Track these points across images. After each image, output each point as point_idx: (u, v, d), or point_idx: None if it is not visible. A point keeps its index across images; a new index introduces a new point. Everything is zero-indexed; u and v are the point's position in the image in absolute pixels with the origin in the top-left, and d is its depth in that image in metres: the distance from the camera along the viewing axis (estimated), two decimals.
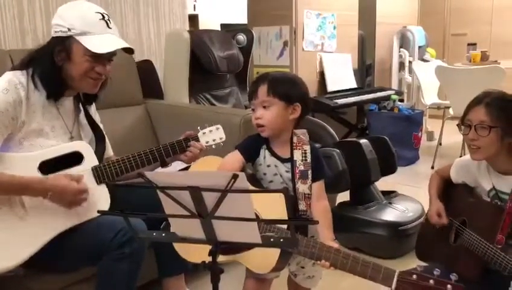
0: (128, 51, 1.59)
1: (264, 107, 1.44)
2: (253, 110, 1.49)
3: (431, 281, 1.13)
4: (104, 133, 1.80)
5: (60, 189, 1.45)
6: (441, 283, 1.12)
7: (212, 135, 1.77)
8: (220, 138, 1.77)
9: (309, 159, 1.48)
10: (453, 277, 1.11)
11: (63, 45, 1.51)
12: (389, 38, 5.05)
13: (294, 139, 1.51)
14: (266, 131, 1.47)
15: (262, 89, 1.44)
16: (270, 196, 1.34)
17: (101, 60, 1.54)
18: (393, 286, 1.19)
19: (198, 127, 1.77)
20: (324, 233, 1.42)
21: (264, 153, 1.51)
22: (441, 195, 1.76)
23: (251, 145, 1.52)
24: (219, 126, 1.79)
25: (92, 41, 1.50)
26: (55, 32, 1.52)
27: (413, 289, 1.15)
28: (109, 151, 1.84)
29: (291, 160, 1.49)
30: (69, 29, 1.49)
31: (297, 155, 1.49)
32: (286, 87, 1.45)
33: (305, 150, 1.49)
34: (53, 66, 1.52)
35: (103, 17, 1.54)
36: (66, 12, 1.52)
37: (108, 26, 1.54)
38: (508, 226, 1.48)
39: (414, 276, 1.16)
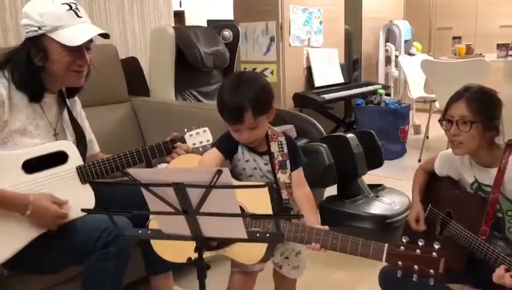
0: (104, 36, 1.56)
1: (252, 128, 1.44)
2: (234, 130, 1.46)
3: (417, 251, 1.19)
4: (88, 131, 1.79)
5: (41, 210, 1.43)
6: (427, 251, 1.19)
7: (199, 137, 1.76)
8: (207, 140, 1.76)
9: (286, 150, 1.51)
10: (436, 245, 1.18)
11: (37, 45, 1.48)
12: (375, 33, 5.07)
13: (269, 132, 1.53)
14: (255, 143, 1.50)
15: (248, 116, 1.40)
16: (255, 190, 1.34)
17: (80, 51, 1.51)
18: (384, 258, 1.23)
19: (185, 129, 1.75)
20: (309, 218, 1.44)
21: (241, 148, 1.52)
22: (425, 190, 1.78)
23: (228, 142, 1.51)
24: (206, 129, 1.78)
25: (66, 35, 1.46)
26: (27, 33, 1.48)
27: (402, 259, 1.21)
28: (95, 148, 1.83)
29: (269, 152, 1.51)
30: (39, 28, 1.46)
31: (274, 147, 1.51)
32: (265, 101, 1.44)
33: (280, 141, 1.52)
34: (31, 69, 1.49)
35: (70, 7, 1.49)
36: (32, 11, 1.47)
37: (78, 15, 1.50)
38: (491, 218, 1.50)
39: (402, 247, 1.21)
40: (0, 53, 1.58)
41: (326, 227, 1.36)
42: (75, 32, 1.48)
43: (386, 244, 1.25)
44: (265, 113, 1.44)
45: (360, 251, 1.28)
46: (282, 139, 1.53)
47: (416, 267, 1.19)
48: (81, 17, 1.51)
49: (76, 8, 1.51)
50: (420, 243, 1.20)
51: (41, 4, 1.48)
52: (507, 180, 1.48)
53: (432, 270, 1.17)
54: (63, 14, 1.47)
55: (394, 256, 1.22)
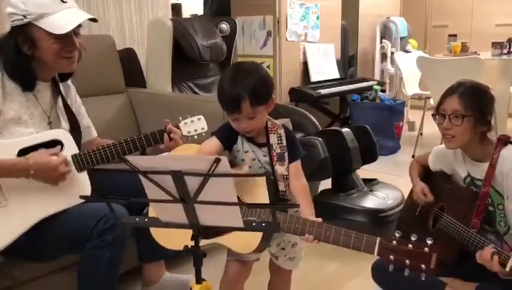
0: (92, 20, 1.54)
1: (250, 118, 1.45)
2: (233, 119, 1.47)
3: (409, 245, 1.19)
4: (85, 117, 1.79)
5: (42, 165, 1.43)
6: (419, 246, 1.18)
7: (194, 125, 1.75)
8: (202, 128, 1.76)
9: (284, 142, 1.52)
10: (429, 240, 1.18)
11: (24, 33, 1.46)
12: (372, 29, 5.09)
13: (269, 124, 1.54)
14: (253, 133, 1.50)
15: (246, 105, 1.41)
16: (252, 179, 1.36)
17: (68, 37, 1.49)
18: (376, 252, 1.24)
19: (180, 118, 1.75)
20: (304, 209, 1.45)
21: (241, 139, 1.53)
22: (422, 178, 1.80)
23: (229, 132, 1.52)
24: (201, 116, 1.77)
25: (52, 23, 1.44)
26: (12, 22, 1.46)
27: (394, 253, 1.21)
28: (93, 133, 1.83)
29: (267, 144, 1.52)
30: (24, 16, 1.43)
31: (273, 139, 1.52)
32: (264, 92, 1.45)
33: (279, 134, 1.53)
34: (21, 58, 1.48)
35: None
36: None
37: (63, 0, 1.48)
38: (482, 211, 1.52)
39: (394, 242, 1.22)
40: None
41: (320, 219, 1.38)
42: (61, 19, 1.45)
43: (378, 238, 1.25)
44: (264, 103, 1.45)
45: (353, 243, 1.29)
46: (282, 131, 1.54)
47: (407, 261, 1.19)
48: (65, 2, 1.48)
49: None
50: (413, 238, 1.20)
51: None
52: (498, 174, 1.51)
53: (423, 265, 1.18)
54: (46, 0, 1.45)
55: (386, 250, 1.23)
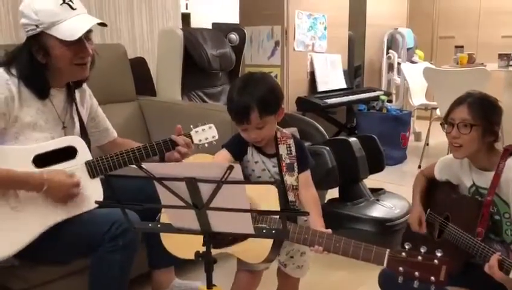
0: (102, 24, 1.57)
1: (259, 128, 1.46)
2: (242, 130, 1.49)
3: (419, 257, 1.20)
4: (103, 119, 1.85)
5: (56, 183, 1.48)
6: (428, 258, 1.19)
7: (205, 133, 1.79)
8: (213, 137, 1.79)
9: (294, 152, 1.54)
10: (438, 252, 1.19)
11: (38, 43, 1.49)
12: (379, 40, 5.12)
13: (278, 135, 1.55)
14: (262, 143, 1.52)
15: (255, 115, 1.42)
16: (264, 189, 1.38)
17: (80, 43, 1.52)
18: (385, 263, 1.25)
19: (191, 126, 1.79)
20: (315, 220, 1.47)
21: (251, 150, 1.55)
22: (425, 195, 1.82)
23: (238, 144, 1.55)
24: (212, 125, 1.81)
25: (63, 30, 1.47)
26: (26, 32, 1.50)
27: (404, 265, 1.21)
28: (113, 135, 1.88)
29: (277, 155, 1.54)
30: (37, 26, 1.47)
31: (283, 150, 1.54)
32: (273, 102, 1.46)
33: (289, 144, 1.54)
34: (35, 67, 1.51)
35: (63, 0, 1.49)
36: (28, 10, 1.48)
37: (72, 7, 1.50)
38: (487, 219, 1.54)
39: (403, 253, 1.22)
40: (6, 51, 1.60)
41: (330, 230, 1.39)
42: (72, 26, 1.48)
43: (388, 250, 1.26)
44: (273, 113, 1.47)
45: (362, 255, 1.30)
46: (291, 142, 1.55)
47: (417, 273, 1.19)
48: (75, 9, 1.51)
49: (70, 1, 1.51)
50: (422, 250, 1.21)
51: (35, 2, 1.48)
52: (503, 183, 1.52)
53: (433, 277, 1.18)
54: (57, 9, 1.48)
55: (396, 262, 1.23)
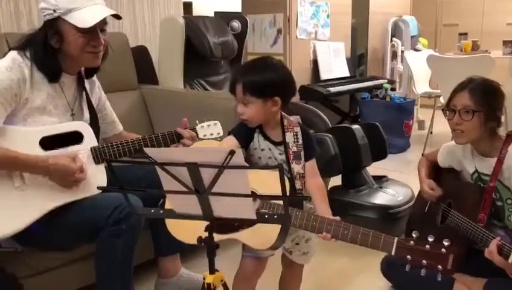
0: (116, 17, 1.60)
1: (244, 103, 1.47)
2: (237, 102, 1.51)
3: (427, 246, 1.21)
4: (110, 112, 1.88)
5: (60, 167, 1.50)
6: (436, 247, 1.20)
7: (210, 129, 1.81)
8: (218, 133, 1.82)
9: (300, 141, 1.54)
10: (446, 242, 1.20)
11: (53, 27, 1.53)
12: (382, 28, 5.08)
13: (285, 122, 1.55)
14: (251, 124, 1.52)
15: (239, 88, 1.46)
16: (267, 175, 1.37)
17: (93, 32, 1.55)
18: (393, 251, 1.26)
19: (197, 121, 1.81)
20: (322, 208, 1.47)
21: (257, 137, 1.55)
22: (430, 173, 1.81)
23: (245, 130, 1.55)
24: (217, 122, 1.83)
25: (79, 17, 1.51)
26: (44, 16, 1.54)
27: (411, 254, 1.23)
28: (119, 127, 1.91)
29: (284, 143, 1.53)
30: (54, 11, 1.51)
31: (289, 137, 1.53)
32: (260, 84, 1.45)
33: (296, 132, 1.54)
34: (48, 51, 1.54)
35: None
36: None
37: None
38: (489, 205, 1.54)
39: (411, 242, 1.23)
40: (20, 36, 1.62)
41: (338, 218, 1.39)
42: (88, 14, 1.52)
43: (396, 238, 1.27)
44: (257, 97, 1.45)
45: (370, 242, 1.30)
46: (298, 130, 1.55)
47: (424, 262, 1.21)
48: None
49: None
50: (430, 239, 1.22)
51: None
52: (505, 169, 1.52)
53: (440, 266, 1.19)
54: None
55: (404, 250, 1.24)
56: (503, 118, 1.60)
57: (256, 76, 1.46)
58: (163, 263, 1.92)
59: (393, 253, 1.26)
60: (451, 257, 1.19)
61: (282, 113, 1.56)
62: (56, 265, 1.68)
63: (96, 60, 1.62)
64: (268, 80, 1.47)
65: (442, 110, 1.64)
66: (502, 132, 1.61)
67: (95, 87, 1.81)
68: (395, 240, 1.26)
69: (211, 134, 1.81)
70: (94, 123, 1.72)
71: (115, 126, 1.90)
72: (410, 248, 1.23)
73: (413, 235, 1.24)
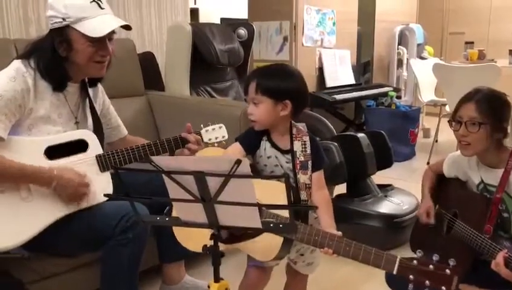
0: (126, 27, 1.60)
1: (255, 103, 1.47)
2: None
3: (430, 266, 1.18)
4: (114, 117, 1.88)
5: (65, 181, 1.50)
6: (440, 268, 1.17)
7: (215, 133, 1.80)
8: (223, 137, 1.80)
9: (309, 150, 1.52)
10: (451, 262, 1.17)
11: (62, 35, 1.53)
12: (388, 36, 5.09)
13: (294, 131, 1.53)
14: (257, 126, 1.51)
15: (252, 86, 1.47)
16: (272, 185, 1.37)
17: (102, 42, 1.56)
18: (395, 271, 1.23)
19: (201, 125, 1.80)
20: (326, 221, 1.46)
21: (264, 144, 1.54)
22: (434, 190, 1.81)
23: (251, 137, 1.54)
24: (222, 125, 1.82)
25: (89, 26, 1.51)
26: (52, 24, 1.54)
27: (414, 273, 1.20)
28: (124, 132, 1.91)
29: (291, 151, 1.51)
30: (63, 19, 1.51)
31: (297, 146, 1.52)
32: (274, 85, 1.46)
33: (304, 141, 1.52)
34: (56, 59, 1.55)
35: None
36: (58, 3, 1.52)
37: (101, 7, 1.55)
38: (495, 216, 1.53)
39: (414, 261, 1.21)
40: (26, 44, 1.63)
41: (340, 233, 1.38)
42: (98, 24, 1.52)
43: (399, 257, 1.24)
44: (270, 96, 1.45)
45: (372, 260, 1.28)
46: (307, 139, 1.53)
47: (428, 282, 1.17)
48: (103, 8, 1.56)
49: (99, 0, 1.56)
50: (434, 258, 1.19)
51: None
52: None
53: (444, 287, 1.16)
54: (86, 5, 1.52)
55: (406, 269, 1.21)
56: (509, 129, 1.58)
57: (271, 77, 1.48)
58: (168, 269, 1.92)
59: (395, 272, 1.23)
60: (456, 278, 1.15)
61: (292, 121, 1.54)
62: (61, 271, 1.69)
63: (102, 70, 1.63)
64: (283, 83, 1.48)
65: (448, 121, 1.63)
66: (509, 142, 1.60)
67: (99, 92, 1.80)
68: (397, 259, 1.24)
69: (216, 137, 1.79)
70: (98, 130, 1.72)
71: (119, 130, 1.90)
72: (413, 267, 1.20)
73: (418, 254, 1.21)
